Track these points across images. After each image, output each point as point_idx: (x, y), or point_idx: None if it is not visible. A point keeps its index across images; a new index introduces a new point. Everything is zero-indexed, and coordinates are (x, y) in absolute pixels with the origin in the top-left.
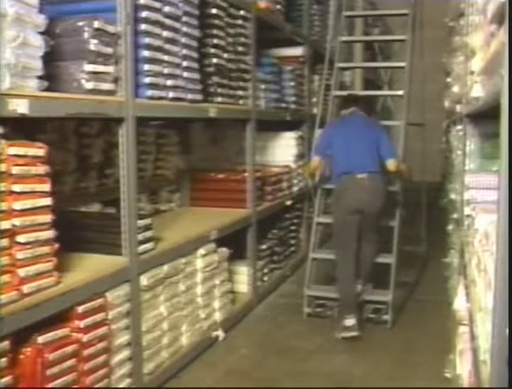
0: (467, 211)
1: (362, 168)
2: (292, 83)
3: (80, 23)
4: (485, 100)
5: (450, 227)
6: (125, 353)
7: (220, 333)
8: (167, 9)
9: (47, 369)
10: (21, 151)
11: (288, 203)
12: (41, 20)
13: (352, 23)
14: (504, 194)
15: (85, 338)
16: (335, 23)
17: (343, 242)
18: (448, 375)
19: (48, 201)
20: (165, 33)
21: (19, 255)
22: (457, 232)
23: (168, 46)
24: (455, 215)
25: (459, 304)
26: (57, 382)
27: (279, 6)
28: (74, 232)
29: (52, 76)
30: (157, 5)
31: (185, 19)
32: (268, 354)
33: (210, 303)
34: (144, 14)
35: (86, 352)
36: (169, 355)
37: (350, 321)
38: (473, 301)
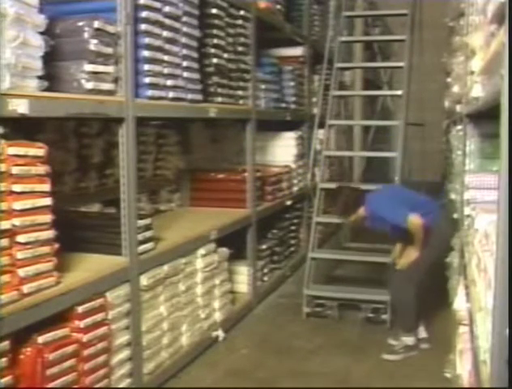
0: (467, 211)
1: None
2: (292, 83)
3: (80, 23)
4: (485, 100)
5: None
6: (125, 353)
7: (220, 333)
8: (167, 9)
9: (47, 369)
10: (21, 151)
11: (288, 203)
12: (41, 20)
13: (351, 23)
14: (504, 194)
15: (85, 338)
16: (335, 23)
17: (422, 278)
18: (448, 375)
19: (48, 201)
20: (165, 33)
21: (19, 255)
22: (457, 232)
23: (168, 46)
24: (455, 215)
25: (459, 304)
26: (57, 382)
27: (279, 6)
28: (74, 232)
29: (52, 76)
30: (157, 5)
31: (185, 19)
32: (268, 354)
33: (210, 303)
34: (144, 14)
35: (86, 352)
36: (169, 355)
37: (410, 339)
38: (473, 301)
